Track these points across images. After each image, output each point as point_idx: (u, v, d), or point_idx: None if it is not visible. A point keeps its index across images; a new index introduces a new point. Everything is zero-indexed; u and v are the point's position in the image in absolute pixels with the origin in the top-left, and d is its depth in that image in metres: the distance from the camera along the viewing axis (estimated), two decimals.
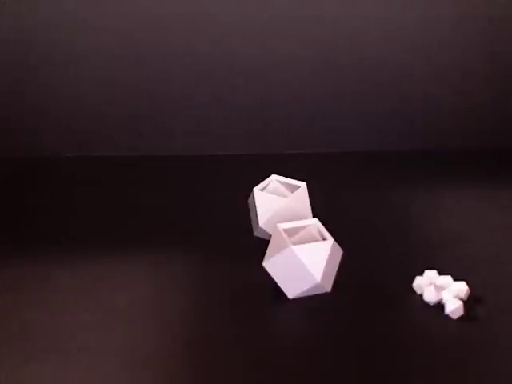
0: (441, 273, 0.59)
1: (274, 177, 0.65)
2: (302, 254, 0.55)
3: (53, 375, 0.48)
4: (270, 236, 0.59)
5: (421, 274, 0.59)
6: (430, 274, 0.58)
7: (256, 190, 0.63)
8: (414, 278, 0.59)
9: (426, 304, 0.56)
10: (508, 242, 0.65)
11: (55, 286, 0.58)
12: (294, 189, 0.64)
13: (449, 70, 0.82)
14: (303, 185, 0.63)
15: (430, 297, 0.56)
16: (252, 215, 0.64)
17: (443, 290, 0.56)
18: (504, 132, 0.83)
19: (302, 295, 0.56)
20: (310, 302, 0.56)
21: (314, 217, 0.61)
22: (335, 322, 0.54)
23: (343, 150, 0.82)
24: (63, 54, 0.79)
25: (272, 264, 0.56)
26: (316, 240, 0.57)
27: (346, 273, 0.58)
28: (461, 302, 0.54)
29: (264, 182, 0.64)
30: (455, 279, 0.59)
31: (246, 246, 0.63)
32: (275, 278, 0.56)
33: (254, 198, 0.63)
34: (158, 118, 0.82)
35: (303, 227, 0.59)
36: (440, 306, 0.56)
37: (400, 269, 0.61)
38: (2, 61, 0.79)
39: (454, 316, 0.54)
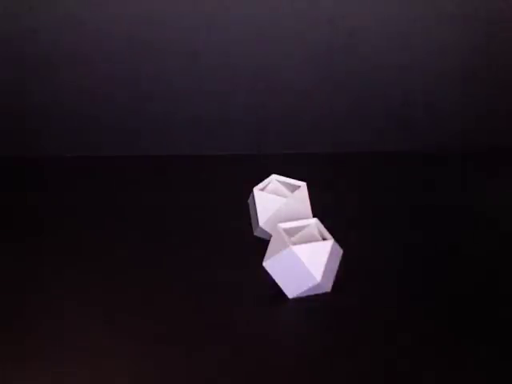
0: None
1: (274, 177, 0.64)
2: (302, 254, 0.55)
3: (53, 375, 0.48)
4: (270, 236, 0.59)
5: None
6: None
7: (256, 189, 0.63)
8: None
9: None
10: None
11: (55, 285, 0.58)
12: (294, 189, 0.64)
13: (448, 69, 0.82)
14: (303, 185, 0.63)
15: None
16: (252, 215, 0.64)
17: None
18: (504, 131, 0.83)
19: (302, 295, 0.56)
20: (310, 302, 0.56)
21: (314, 217, 0.61)
22: (335, 321, 0.54)
23: (343, 150, 0.82)
24: (63, 54, 0.79)
25: (272, 264, 0.56)
26: (316, 240, 0.57)
27: (346, 273, 0.58)
28: None
29: (264, 181, 0.64)
30: None
31: (246, 246, 0.63)
32: (275, 277, 0.56)
33: (253, 197, 0.63)
34: (158, 118, 0.82)
35: (303, 227, 0.59)
36: None
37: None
38: (2, 60, 0.79)
39: None
